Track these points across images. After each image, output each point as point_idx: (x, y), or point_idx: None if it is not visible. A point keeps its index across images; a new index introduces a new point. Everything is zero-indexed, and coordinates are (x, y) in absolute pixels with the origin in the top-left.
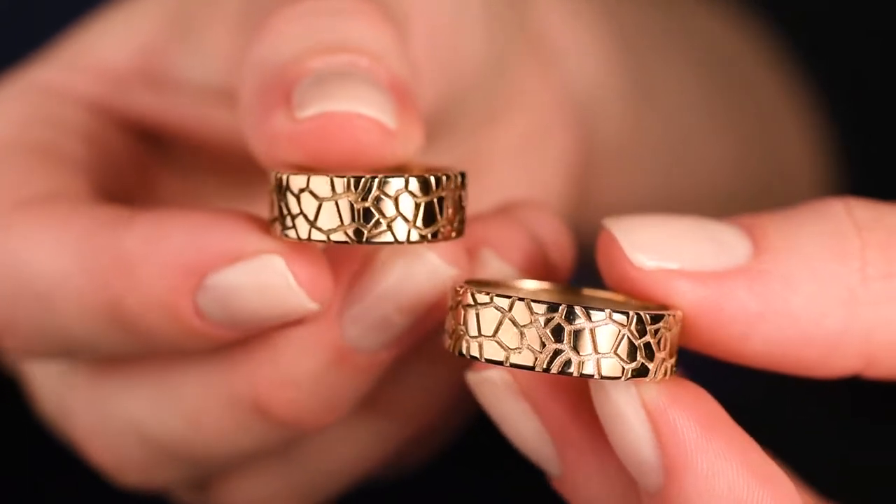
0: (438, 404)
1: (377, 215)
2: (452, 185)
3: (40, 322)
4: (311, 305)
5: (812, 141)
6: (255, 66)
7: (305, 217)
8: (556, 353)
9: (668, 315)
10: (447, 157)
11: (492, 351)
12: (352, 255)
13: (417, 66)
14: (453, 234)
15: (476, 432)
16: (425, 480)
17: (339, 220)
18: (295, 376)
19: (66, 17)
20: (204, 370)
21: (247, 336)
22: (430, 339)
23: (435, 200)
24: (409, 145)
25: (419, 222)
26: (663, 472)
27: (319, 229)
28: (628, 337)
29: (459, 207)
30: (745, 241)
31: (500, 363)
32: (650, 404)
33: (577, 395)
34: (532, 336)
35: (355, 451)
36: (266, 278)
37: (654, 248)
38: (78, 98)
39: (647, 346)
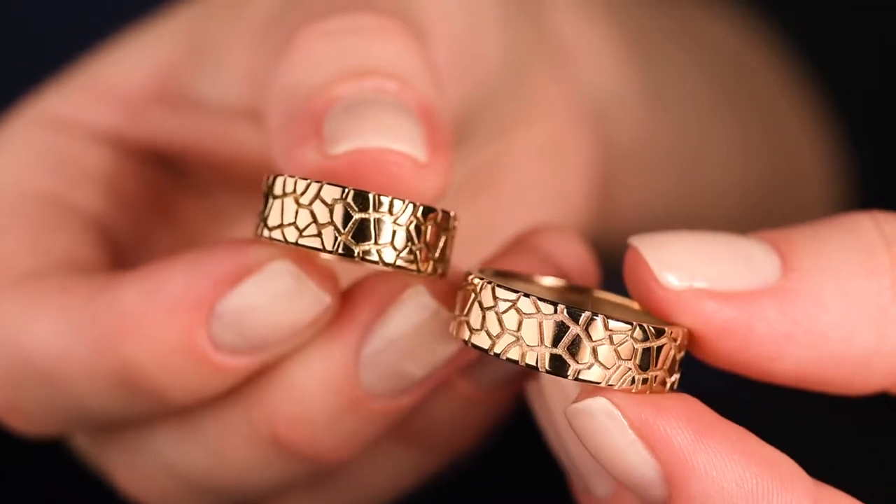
0: (470, 433)
1: (355, 227)
2: (439, 217)
3: (48, 400)
4: (325, 298)
5: (821, 144)
6: (282, 91)
7: (295, 221)
8: (510, 340)
9: (634, 325)
10: (465, 166)
11: (459, 330)
12: (367, 299)
13: (440, 77)
14: (430, 267)
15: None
16: (440, 485)
17: (311, 220)
18: (311, 414)
19: (79, 42)
20: (224, 407)
21: (265, 364)
22: (463, 371)
23: (412, 225)
24: (441, 176)
25: (394, 242)
26: (665, 484)
27: (295, 227)
28: (574, 335)
29: (443, 244)
30: (774, 258)
31: (465, 342)
32: (636, 420)
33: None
34: (491, 320)
35: (388, 479)
36: (277, 284)
37: (682, 266)
38: (93, 130)
39: (593, 350)
